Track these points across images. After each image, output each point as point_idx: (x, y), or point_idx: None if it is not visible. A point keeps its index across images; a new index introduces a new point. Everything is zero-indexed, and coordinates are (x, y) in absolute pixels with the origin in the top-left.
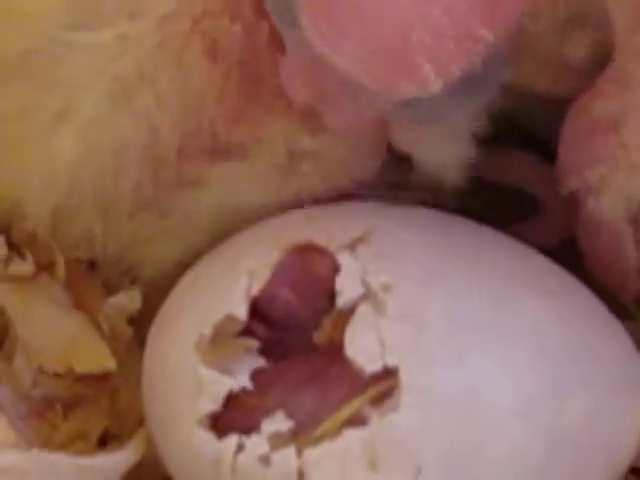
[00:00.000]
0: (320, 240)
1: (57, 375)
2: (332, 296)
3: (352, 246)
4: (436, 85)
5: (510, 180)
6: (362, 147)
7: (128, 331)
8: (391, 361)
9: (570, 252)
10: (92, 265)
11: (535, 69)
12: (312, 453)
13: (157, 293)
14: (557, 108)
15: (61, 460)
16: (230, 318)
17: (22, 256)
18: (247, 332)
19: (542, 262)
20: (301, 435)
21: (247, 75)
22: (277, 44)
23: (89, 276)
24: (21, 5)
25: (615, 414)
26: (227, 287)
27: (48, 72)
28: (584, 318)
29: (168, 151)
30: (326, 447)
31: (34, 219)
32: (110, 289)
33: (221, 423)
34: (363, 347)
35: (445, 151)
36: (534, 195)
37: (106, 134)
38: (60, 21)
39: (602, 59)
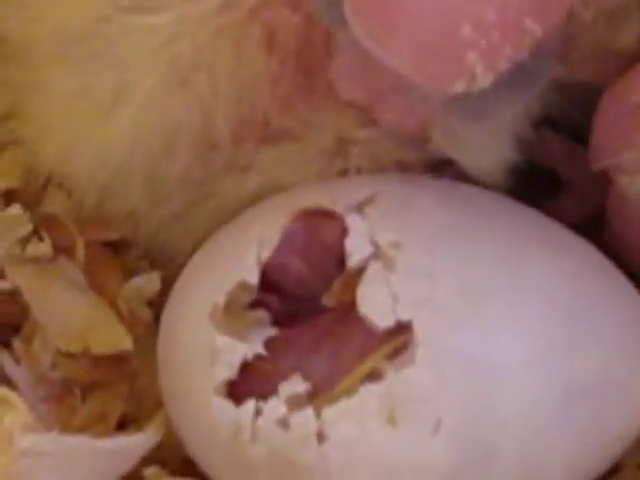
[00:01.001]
0: (327, 203)
1: (76, 358)
2: (342, 262)
3: (359, 208)
4: (484, 79)
5: (536, 158)
6: (409, 139)
7: (147, 314)
8: (404, 316)
9: (590, 230)
10: (112, 247)
11: (581, 60)
12: (330, 412)
13: (177, 275)
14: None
15: (80, 442)
16: (242, 285)
17: (40, 238)
18: (259, 304)
19: (548, 222)
20: (318, 395)
21: (302, 66)
22: (334, 37)
23: (109, 259)
24: None
25: (628, 366)
26: (237, 255)
27: (106, 53)
28: (592, 273)
29: (221, 136)
30: (343, 405)
31: (80, 194)
32: (130, 272)
33: (238, 390)
34: (375, 304)
35: (487, 155)
36: (559, 173)
37: (159, 117)
38: (118, 3)
39: None
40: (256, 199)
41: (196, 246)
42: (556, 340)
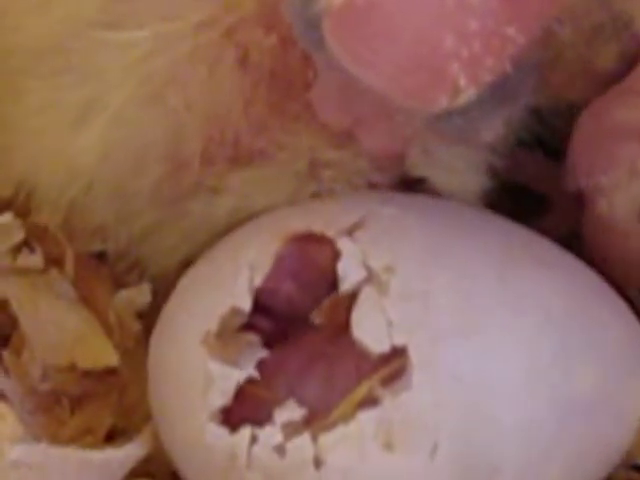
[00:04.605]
0: (318, 227)
1: (65, 370)
2: (333, 284)
3: (350, 231)
4: (468, 92)
5: (518, 178)
6: (382, 162)
7: (137, 326)
8: (399, 340)
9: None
10: (102, 259)
11: (568, 78)
12: (327, 439)
13: (167, 288)
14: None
15: (69, 454)
16: (235, 311)
17: (31, 250)
18: (250, 326)
19: (538, 238)
20: (314, 421)
21: (276, 87)
22: (310, 60)
23: (99, 271)
24: (56, 1)
25: (620, 381)
26: (230, 280)
27: (80, 66)
28: (585, 289)
29: (191, 155)
30: (340, 431)
31: (49, 208)
32: (120, 284)
33: (233, 417)
34: (370, 329)
35: (463, 177)
36: (541, 193)
37: (131, 132)
38: (94, 18)
39: (632, 67)
40: (228, 221)
41: (167, 265)
42: (551, 358)
